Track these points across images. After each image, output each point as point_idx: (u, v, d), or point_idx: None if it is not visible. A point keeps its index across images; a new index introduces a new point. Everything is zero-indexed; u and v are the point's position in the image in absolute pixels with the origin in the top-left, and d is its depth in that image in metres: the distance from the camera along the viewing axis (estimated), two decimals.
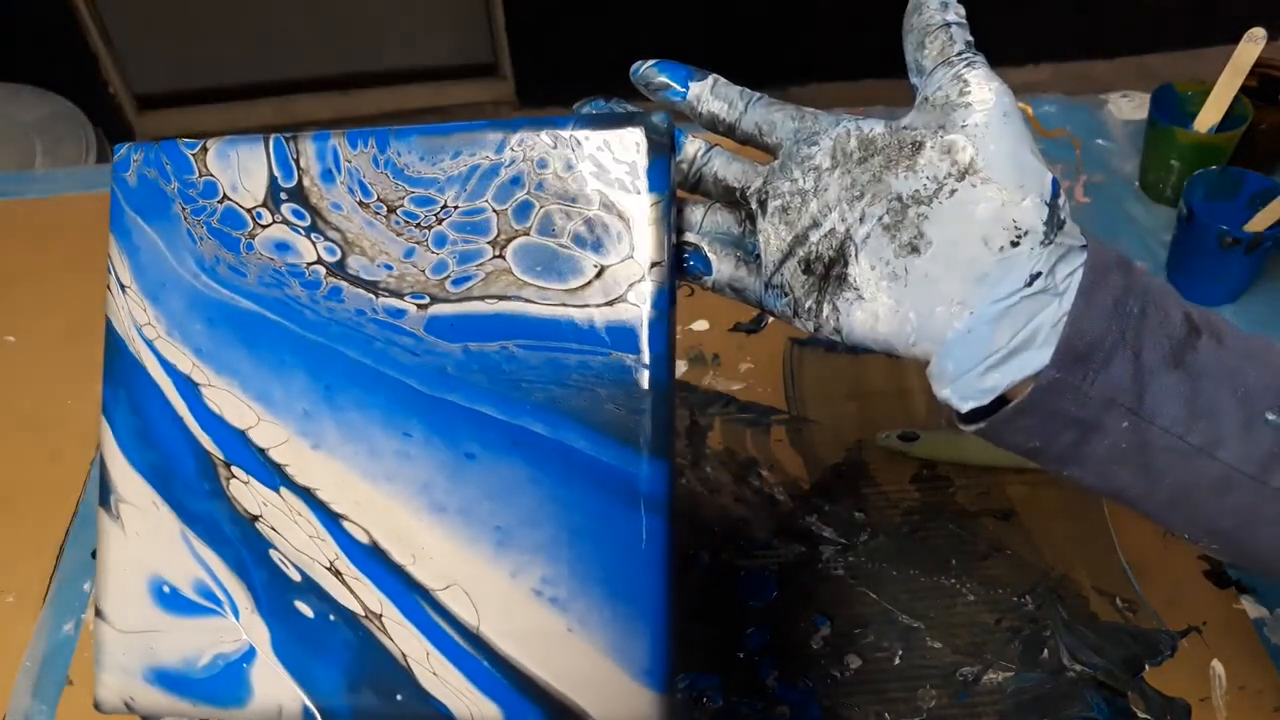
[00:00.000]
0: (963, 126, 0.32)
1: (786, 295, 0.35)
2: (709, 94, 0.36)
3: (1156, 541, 0.60)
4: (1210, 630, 0.56)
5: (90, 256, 0.83)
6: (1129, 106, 0.89)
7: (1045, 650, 0.56)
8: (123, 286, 0.38)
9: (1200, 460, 0.31)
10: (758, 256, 0.36)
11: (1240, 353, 0.32)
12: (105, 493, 0.38)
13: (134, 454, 0.37)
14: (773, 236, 0.35)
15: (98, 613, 0.38)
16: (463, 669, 0.34)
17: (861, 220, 0.33)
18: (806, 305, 0.35)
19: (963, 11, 0.34)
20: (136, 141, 0.39)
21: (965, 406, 0.32)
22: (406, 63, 2.00)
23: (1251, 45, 0.73)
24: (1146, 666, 0.55)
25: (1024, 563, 0.60)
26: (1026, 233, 0.31)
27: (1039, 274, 0.31)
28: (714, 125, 0.37)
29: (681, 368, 0.71)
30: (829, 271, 0.34)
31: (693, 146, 0.37)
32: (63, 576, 0.62)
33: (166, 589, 0.37)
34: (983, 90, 0.32)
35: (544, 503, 0.34)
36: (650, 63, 0.37)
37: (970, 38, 0.34)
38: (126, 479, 0.37)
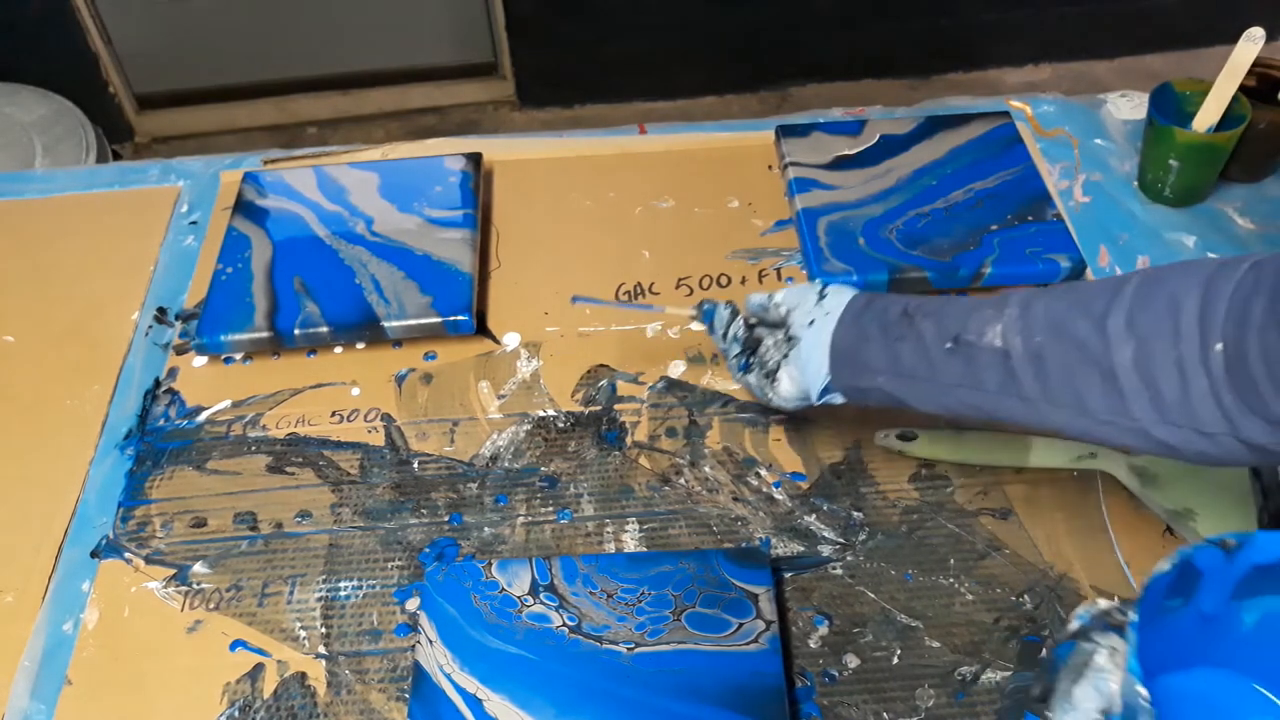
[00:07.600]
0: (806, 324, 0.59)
1: (758, 386, 0.62)
2: (750, 301, 0.65)
3: (1155, 540, 0.60)
4: None
5: (90, 256, 0.83)
6: (1128, 106, 0.89)
7: (1044, 649, 0.56)
8: (430, 641, 0.56)
9: (921, 381, 0.53)
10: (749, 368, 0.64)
11: (933, 317, 0.53)
12: None
13: None
14: (754, 362, 0.63)
15: None
16: None
17: (776, 345, 0.61)
18: (764, 391, 0.61)
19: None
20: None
21: (819, 400, 0.58)
22: (406, 63, 2.00)
23: (1250, 45, 0.73)
24: None
25: (1022, 562, 0.60)
26: (812, 321, 0.58)
27: (812, 321, 0.58)
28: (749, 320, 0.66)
29: (681, 368, 0.71)
30: (771, 373, 0.61)
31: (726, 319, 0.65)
32: (62, 576, 0.62)
33: None
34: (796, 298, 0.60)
35: None
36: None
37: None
38: None
